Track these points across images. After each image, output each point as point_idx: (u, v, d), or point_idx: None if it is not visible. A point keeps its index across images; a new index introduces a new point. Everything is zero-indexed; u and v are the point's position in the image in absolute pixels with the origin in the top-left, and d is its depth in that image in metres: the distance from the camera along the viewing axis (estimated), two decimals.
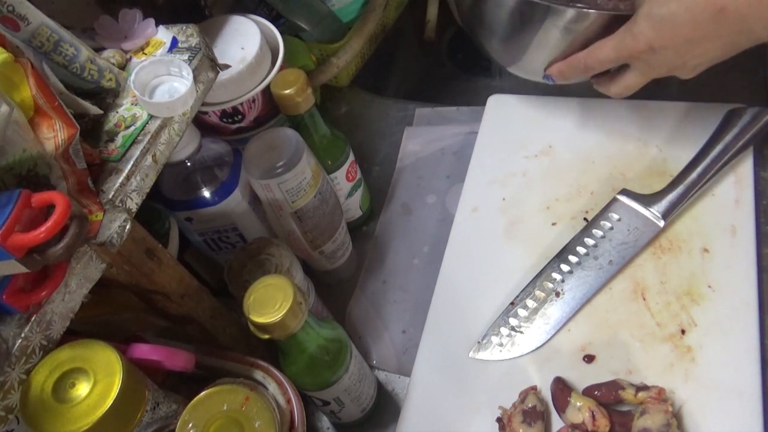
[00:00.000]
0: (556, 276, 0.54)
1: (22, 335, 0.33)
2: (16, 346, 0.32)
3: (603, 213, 0.56)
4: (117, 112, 0.41)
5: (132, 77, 0.40)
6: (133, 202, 0.38)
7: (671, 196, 0.55)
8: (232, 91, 0.56)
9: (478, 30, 0.61)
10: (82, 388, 0.35)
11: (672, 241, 0.55)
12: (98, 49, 0.44)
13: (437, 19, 0.92)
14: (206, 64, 0.43)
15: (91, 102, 0.40)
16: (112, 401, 0.34)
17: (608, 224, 0.56)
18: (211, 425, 0.39)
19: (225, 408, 0.40)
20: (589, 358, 0.50)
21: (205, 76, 0.43)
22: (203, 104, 0.52)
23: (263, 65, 0.57)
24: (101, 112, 0.40)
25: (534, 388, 0.49)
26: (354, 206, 0.67)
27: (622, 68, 0.51)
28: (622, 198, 0.56)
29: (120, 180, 0.37)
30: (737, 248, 0.53)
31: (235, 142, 0.57)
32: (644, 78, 0.50)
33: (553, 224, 0.59)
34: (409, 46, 0.93)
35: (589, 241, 0.55)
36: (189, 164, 0.53)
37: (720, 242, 0.53)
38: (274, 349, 0.47)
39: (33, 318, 0.33)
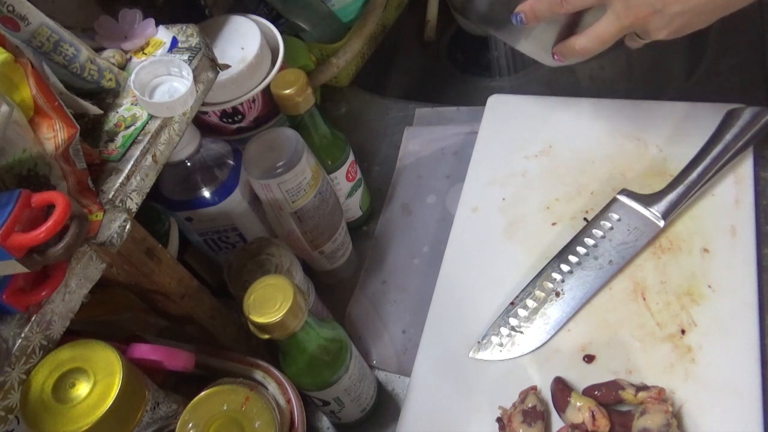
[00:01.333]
0: (556, 276, 0.54)
1: (22, 335, 0.33)
2: (16, 346, 0.32)
3: (603, 213, 0.56)
4: (117, 112, 0.41)
5: (132, 77, 0.40)
6: (133, 202, 0.38)
7: (671, 196, 0.55)
8: (232, 91, 0.56)
9: (475, 12, 0.59)
10: (82, 388, 0.35)
11: (672, 241, 0.55)
12: (98, 49, 0.44)
13: (437, 19, 0.92)
14: (206, 64, 0.43)
15: (91, 102, 0.40)
16: (112, 401, 0.34)
17: (608, 224, 0.56)
18: (211, 425, 0.39)
19: (225, 408, 0.40)
20: (589, 358, 0.50)
21: (205, 76, 0.43)
22: (203, 104, 0.52)
23: (263, 65, 0.57)
24: (101, 112, 0.40)
25: (534, 388, 0.49)
26: (354, 206, 0.67)
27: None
28: (622, 198, 0.56)
29: (120, 180, 0.37)
30: (737, 248, 0.53)
31: (235, 142, 0.57)
32: (619, 25, 0.48)
33: (553, 224, 0.59)
34: (409, 46, 0.93)
35: (589, 241, 0.55)
36: (189, 164, 0.53)
37: (720, 242, 0.53)
38: (274, 349, 0.47)
39: (33, 318, 0.33)
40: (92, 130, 0.40)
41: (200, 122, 0.59)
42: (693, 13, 0.46)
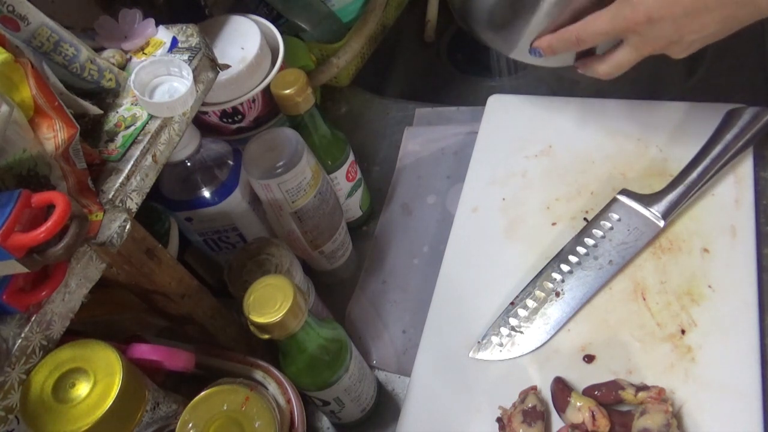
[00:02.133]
0: (556, 276, 0.54)
1: (22, 335, 0.33)
2: (16, 346, 0.32)
3: (603, 213, 0.57)
4: (117, 112, 0.41)
5: (132, 77, 0.40)
6: (133, 202, 0.38)
7: (671, 196, 0.55)
8: (232, 91, 0.56)
9: (473, 17, 0.60)
10: (82, 388, 0.35)
11: (672, 241, 0.55)
12: (98, 49, 0.44)
13: (437, 19, 0.92)
14: (206, 64, 0.43)
15: (91, 102, 0.40)
16: (112, 401, 0.34)
17: (608, 224, 0.56)
18: (211, 425, 0.39)
19: (225, 408, 0.40)
20: (589, 358, 0.50)
21: (205, 76, 0.43)
22: (203, 104, 0.52)
23: (263, 65, 0.57)
24: (101, 112, 0.40)
25: (534, 388, 0.49)
26: (354, 206, 0.67)
27: (612, 47, 0.51)
28: (622, 198, 0.56)
29: (120, 180, 0.37)
30: (737, 248, 0.53)
31: (235, 142, 0.57)
32: (637, 54, 0.49)
33: (553, 224, 0.59)
34: (409, 46, 0.93)
35: (589, 241, 0.55)
36: (189, 164, 0.53)
37: (720, 242, 0.53)
38: (274, 349, 0.47)
39: (33, 318, 0.33)
40: (92, 130, 0.40)
41: (200, 122, 0.59)
42: (709, 37, 0.46)
